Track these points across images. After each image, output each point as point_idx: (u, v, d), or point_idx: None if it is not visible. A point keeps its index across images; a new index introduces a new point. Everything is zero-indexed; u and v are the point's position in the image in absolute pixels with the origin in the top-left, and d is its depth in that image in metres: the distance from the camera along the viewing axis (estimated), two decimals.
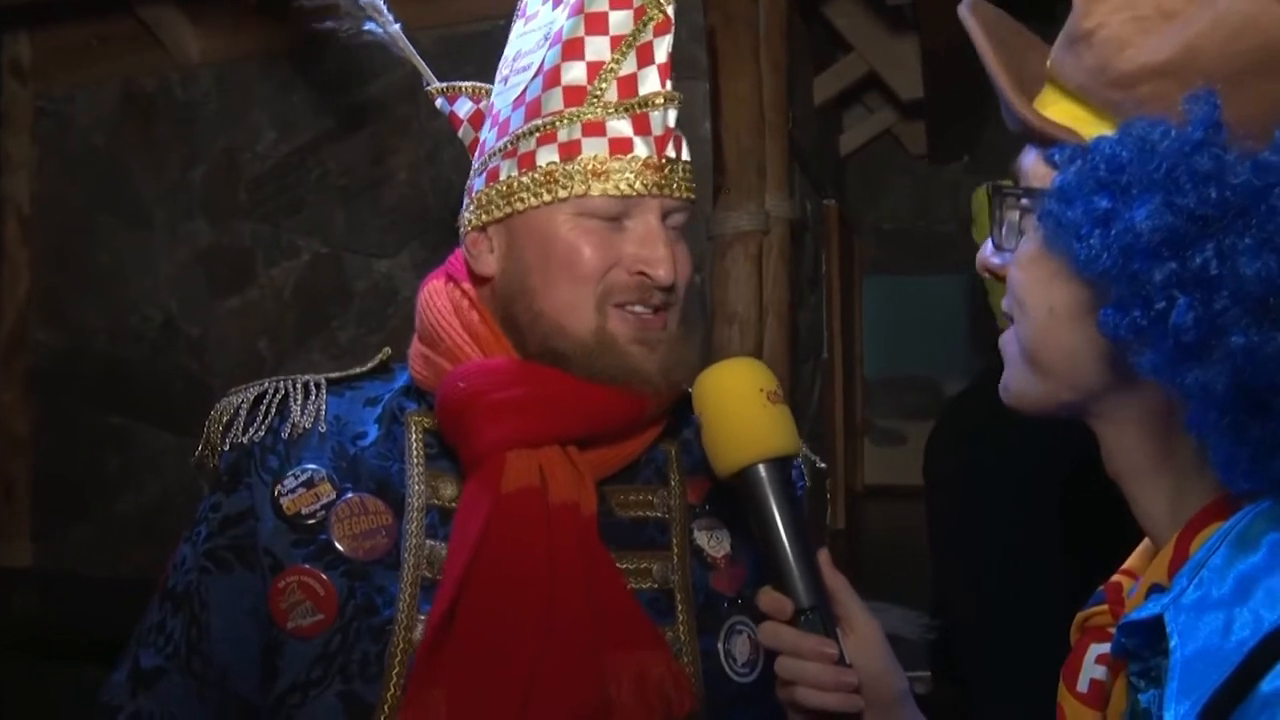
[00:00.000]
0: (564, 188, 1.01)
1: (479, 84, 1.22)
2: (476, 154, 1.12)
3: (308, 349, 2.45)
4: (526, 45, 1.11)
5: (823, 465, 1.22)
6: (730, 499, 1.09)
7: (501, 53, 2.32)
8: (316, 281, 2.46)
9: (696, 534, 1.08)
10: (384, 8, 1.37)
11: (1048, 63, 0.75)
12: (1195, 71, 0.63)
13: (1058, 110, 0.71)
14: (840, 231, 3.59)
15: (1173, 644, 0.59)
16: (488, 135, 1.10)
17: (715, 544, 1.09)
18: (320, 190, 2.46)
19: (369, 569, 1.00)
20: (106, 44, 2.66)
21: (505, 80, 1.11)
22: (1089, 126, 0.69)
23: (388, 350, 1.17)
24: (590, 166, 1.00)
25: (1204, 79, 0.62)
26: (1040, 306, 0.72)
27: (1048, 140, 0.72)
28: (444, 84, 1.24)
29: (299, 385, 1.09)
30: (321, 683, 0.97)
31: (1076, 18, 0.69)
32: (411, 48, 1.35)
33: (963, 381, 4.17)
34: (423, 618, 0.98)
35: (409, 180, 2.40)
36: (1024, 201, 0.74)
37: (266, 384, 1.10)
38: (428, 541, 1.01)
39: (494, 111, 1.11)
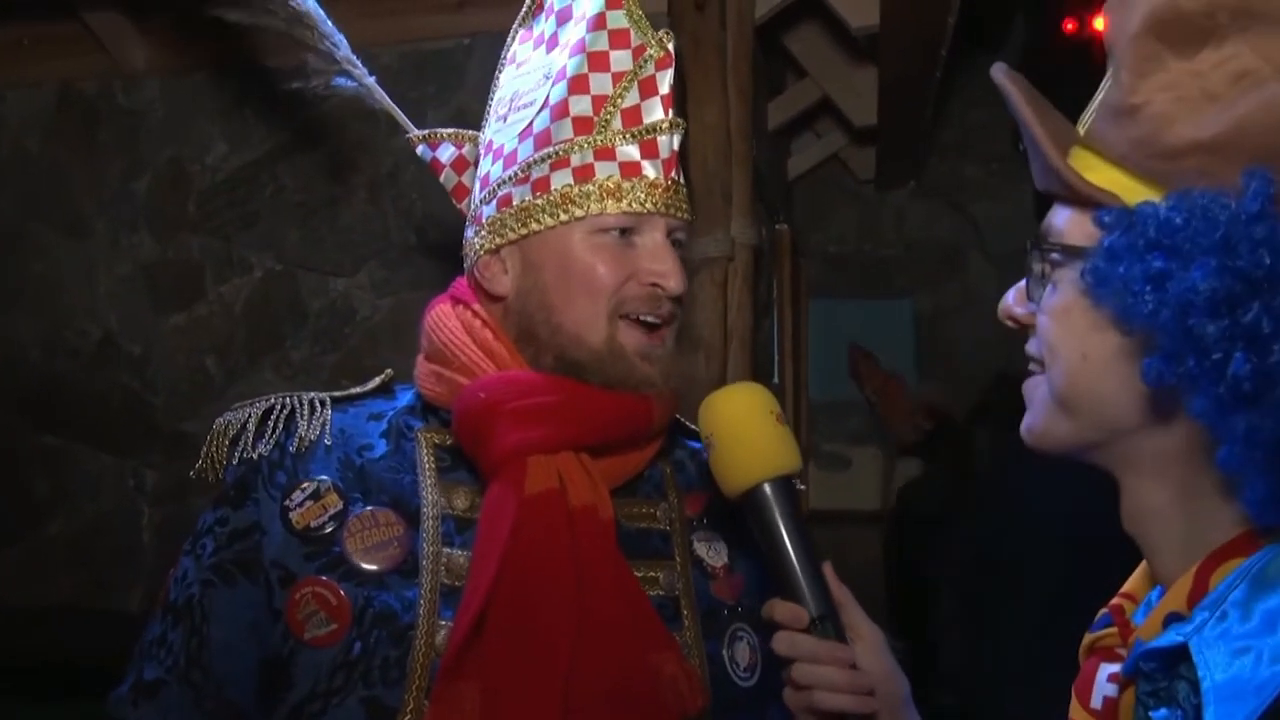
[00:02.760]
0: (580, 207, 1.07)
1: (461, 130, 1.30)
2: (481, 185, 1.17)
3: (259, 368, 2.42)
4: (525, 86, 1.18)
5: (802, 487, 1.30)
6: (725, 513, 1.16)
7: (462, 72, 2.35)
8: (269, 299, 2.44)
9: (696, 545, 1.15)
10: (356, 60, 1.41)
11: (1082, 130, 0.81)
12: (1242, 149, 0.70)
13: (1098, 176, 0.77)
14: (790, 255, 3.68)
15: (1200, 673, 0.65)
16: (491, 168, 1.16)
17: (714, 554, 1.15)
18: (275, 206, 2.44)
19: (384, 578, 1.03)
20: (43, 45, 2.58)
21: (504, 119, 1.18)
22: (1130, 192, 0.75)
23: (389, 372, 1.21)
24: (604, 187, 1.07)
25: (1250, 156, 0.69)
26: (1074, 353, 0.78)
27: (1088, 202, 0.78)
28: (425, 131, 1.31)
29: (304, 401, 1.12)
30: (343, 690, 1.00)
31: (1122, 92, 0.75)
32: (388, 99, 1.38)
33: None
34: (443, 623, 1.01)
35: (368, 199, 2.38)
36: (1055, 256, 0.80)
37: (273, 399, 1.13)
38: (445, 549, 1.05)
39: (495, 146, 1.17)
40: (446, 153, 1.28)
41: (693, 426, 1.23)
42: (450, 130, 1.29)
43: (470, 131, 1.28)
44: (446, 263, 2.37)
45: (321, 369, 2.37)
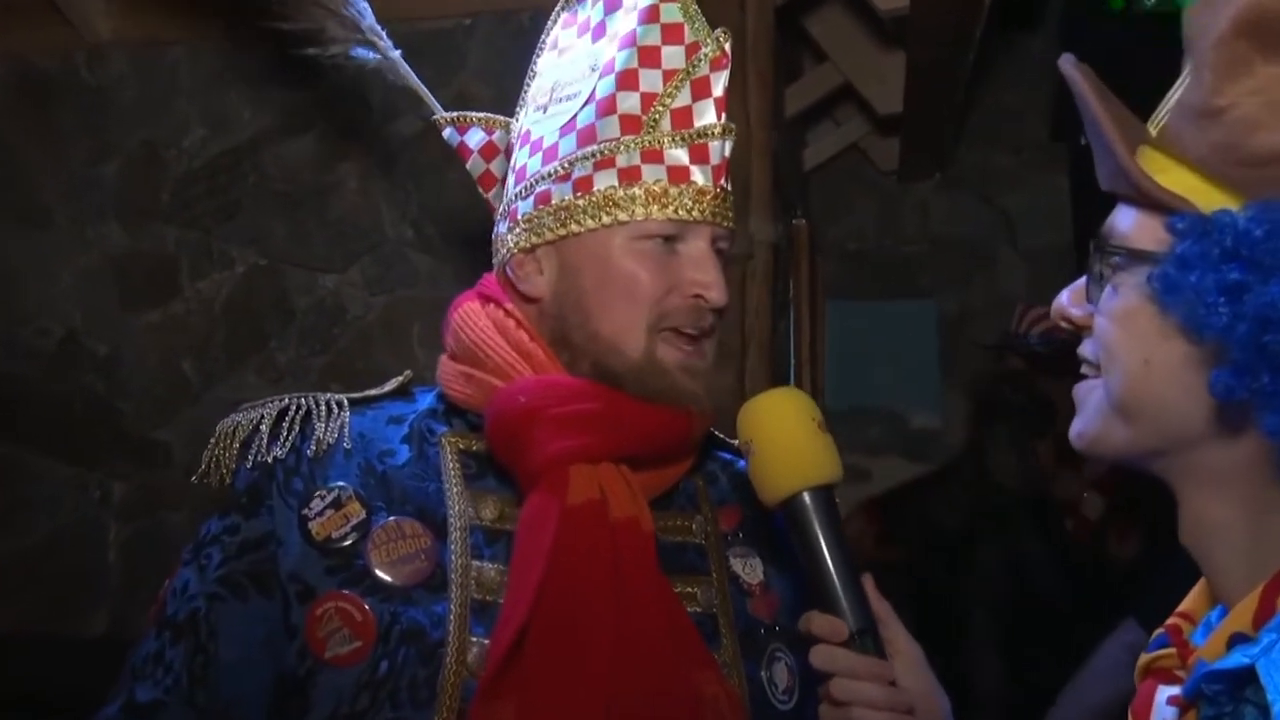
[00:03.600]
0: (624, 211, 1.10)
1: (492, 115, 1.31)
2: (516, 178, 1.19)
3: (240, 371, 2.43)
4: (568, 75, 1.20)
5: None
6: (760, 528, 1.20)
7: (463, 53, 2.36)
8: (252, 296, 2.44)
9: (731, 561, 1.18)
10: (382, 33, 1.42)
11: (1154, 129, 0.83)
12: None
13: (1170, 178, 0.79)
14: (807, 253, 3.70)
15: (1271, 696, 0.68)
16: (529, 161, 1.18)
17: (750, 571, 1.18)
18: (258, 196, 2.44)
19: (411, 593, 1.05)
20: None
21: (544, 109, 1.20)
22: (1205, 197, 0.78)
23: (409, 373, 1.23)
24: (650, 191, 1.10)
25: None
26: (1135, 359, 0.81)
27: (1157, 205, 0.80)
28: (454, 114, 1.33)
29: (321, 402, 1.14)
30: (368, 712, 1.00)
31: (1205, 93, 0.77)
32: (413, 74, 1.40)
33: (932, 416, 4.33)
34: (475, 640, 1.03)
35: (360, 189, 2.39)
36: (1117, 259, 0.82)
37: (288, 400, 1.14)
38: (474, 563, 1.06)
39: (533, 138, 1.19)
40: (475, 138, 1.30)
41: (722, 436, 1.26)
42: (481, 115, 1.31)
43: (501, 118, 1.30)
44: (445, 259, 2.39)
45: (309, 372, 2.37)
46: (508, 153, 1.26)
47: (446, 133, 1.32)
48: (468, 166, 1.31)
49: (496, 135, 1.29)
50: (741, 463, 1.19)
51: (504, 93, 2.54)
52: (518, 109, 1.26)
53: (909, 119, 3.48)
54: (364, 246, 2.41)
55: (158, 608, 1.09)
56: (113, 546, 2.48)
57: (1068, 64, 0.83)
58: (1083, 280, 0.88)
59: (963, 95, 3.39)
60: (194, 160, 2.50)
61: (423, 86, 1.41)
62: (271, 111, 2.45)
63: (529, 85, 1.26)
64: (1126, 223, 0.83)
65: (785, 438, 1.04)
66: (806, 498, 1.02)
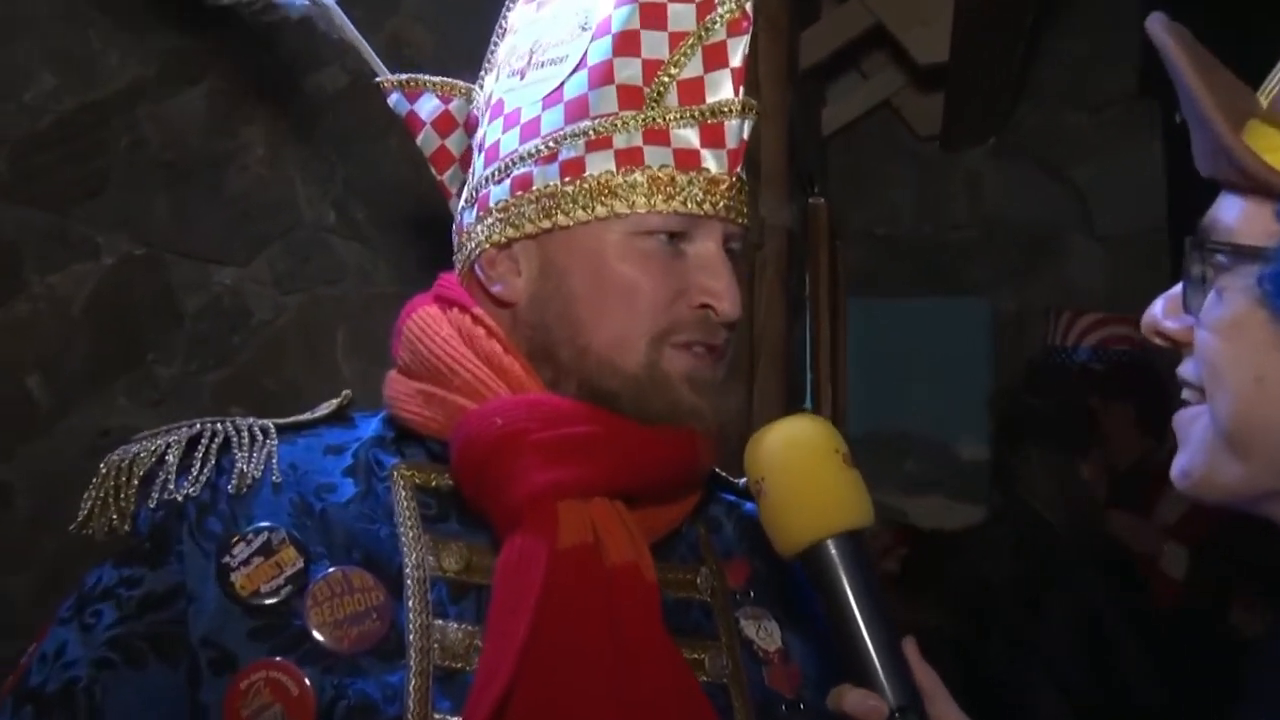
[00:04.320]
0: (622, 201, 1.15)
1: (450, 80, 1.36)
2: (486, 157, 1.24)
3: (107, 391, 2.44)
4: (551, 34, 1.25)
5: None
6: (774, 584, 1.25)
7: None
8: (124, 295, 2.45)
9: (743, 623, 1.23)
10: None
11: (1266, 100, 0.88)
12: None
13: None
14: (827, 239, 3.76)
15: None
16: (502, 137, 1.23)
17: (765, 636, 1.23)
18: (132, 166, 2.45)
19: (359, 661, 1.07)
20: None
21: (520, 74, 1.25)
22: None
23: (347, 394, 1.27)
24: (655, 178, 1.15)
25: None
26: (1245, 377, 0.87)
27: (1268, 191, 0.85)
28: (402, 76, 1.37)
29: (243, 428, 1.18)
30: None
31: None
32: (356, 33, 1.46)
33: (983, 445, 4.38)
34: (439, 716, 1.06)
35: (268, 159, 2.41)
36: (1220, 259, 0.88)
37: (200, 425, 1.17)
38: (436, 622, 1.10)
39: (507, 110, 1.24)
40: (428, 106, 1.34)
41: (725, 475, 1.32)
42: (436, 79, 1.36)
43: (461, 83, 1.35)
44: (378, 248, 2.43)
45: (201, 391, 2.40)
46: (469, 126, 1.31)
47: (392, 99, 1.36)
48: (418, 141, 1.35)
49: (454, 104, 1.34)
50: (750, 505, 1.23)
51: (447, 40, 2.62)
52: (483, 73, 1.32)
53: (956, 70, 3.56)
54: (273, 232, 2.44)
55: (15, 679, 1.10)
56: None
57: (1156, 25, 0.88)
58: (1180, 286, 0.92)
59: (1025, 39, 3.46)
60: (40, 118, 2.49)
61: (361, 39, 1.46)
62: (150, 56, 2.47)
63: (497, 44, 1.31)
64: (1231, 214, 0.88)
65: (804, 475, 1.08)
66: (832, 548, 1.06)
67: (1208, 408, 0.90)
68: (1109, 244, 4.41)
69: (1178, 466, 0.94)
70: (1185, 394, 0.94)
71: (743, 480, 1.21)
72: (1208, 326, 0.90)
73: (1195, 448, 0.92)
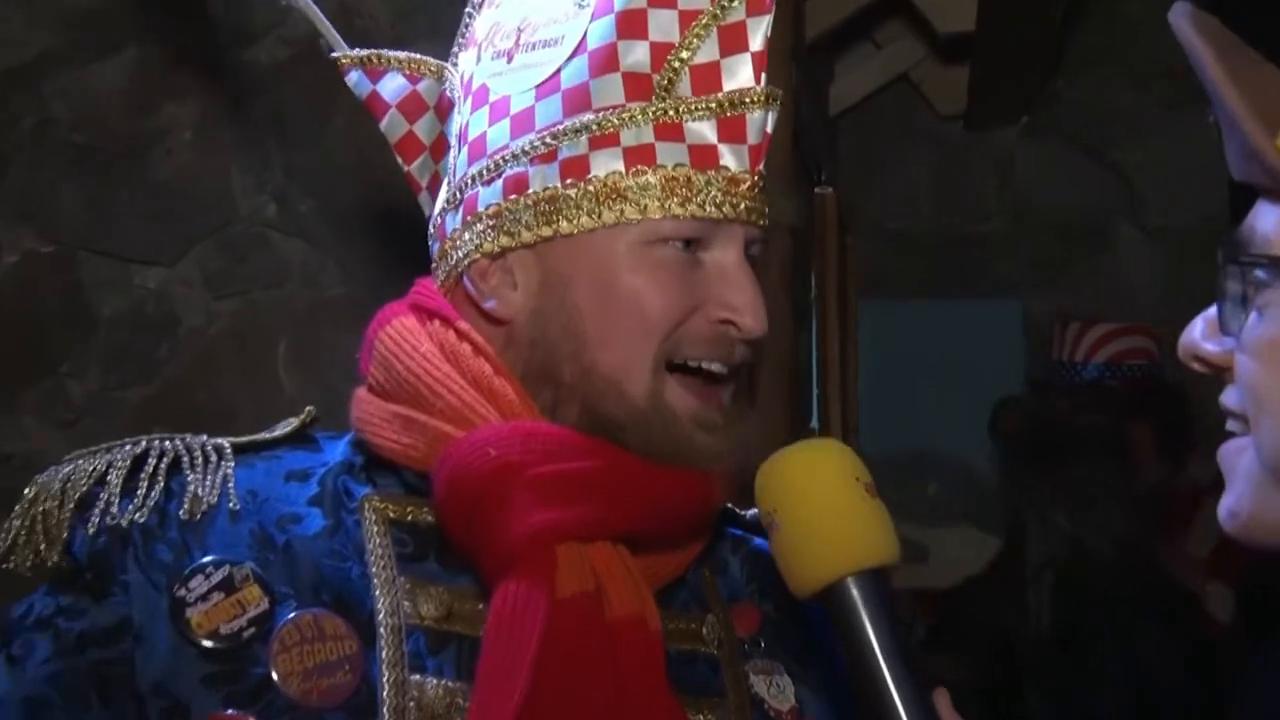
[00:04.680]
0: (633, 206, 1.16)
1: (418, 57, 1.36)
2: (470, 151, 1.24)
3: (12, 410, 2.43)
4: (542, 12, 1.25)
5: None
6: (787, 632, 1.27)
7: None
8: (29, 299, 2.42)
9: (753, 679, 1.24)
10: None
11: None
12: None
13: None
14: (836, 234, 3.76)
15: None
16: (489, 129, 1.23)
17: (777, 694, 1.24)
18: (38, 149, 2.45)
19: (326, 718, 1.08)
20: None
21: (506, 56, 1.25)
22: None
23: (311, 410, 1.28)
24: (670, 179, 1.16)
25: None
26: None
27: None
28: (363, 52, 1.36)
29: (195, 447, 1.18)
30: None
31: None
32: (314, 5, 1.45)
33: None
34: None
35: (197, 143, 2.41)
36: (1260, 274, 0.89)
37: (144, 443, 1.17)
38: (413, 677, 1.11)
39: (494, 98, 1.24)
40: (393, 86, 1.34)
41: (731, 506, 1.32)
42: (403, 55, 1.35)
43: (432, 61, 1.34)
44: (325, 245, 2.40)
45: (120, 408, 2.40)
46: (441, 110, 1.31)
47: (351, 78, 1.35)
48: (382, 126, 1.34)
49: (424, 85, 1.34)
50: (759, 540, 1.26)
51: (406, 10, 2.61)
52: (456, 49, 1.32)
53: (983, 38, 3.57)
54: (204, 227, 2.43)
55: None
56: None
57: (1181, 18, 0.89)
58: (1217, 306, 0.93)
59: (1063, 2, 3.47)
60: None
61: (312, 4, 1.43)
62: (60, 22, 2.46)
63: (473, 16, 1.31)
64: (1269, 222, 0.89)
65: (822, 506, 1.09)
66: (853, 587, 1.06)
67: (1252, 439, 0.91)
68: (1161, 237, 4.42)
69: (1224, 506, 0.94)
70: (1230, 424, 0.94)
71: (751, 512, 1.22)
72: (1249, 350, 0.91)
73: (1241, 485, 0.93)
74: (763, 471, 1.13)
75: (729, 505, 1.32)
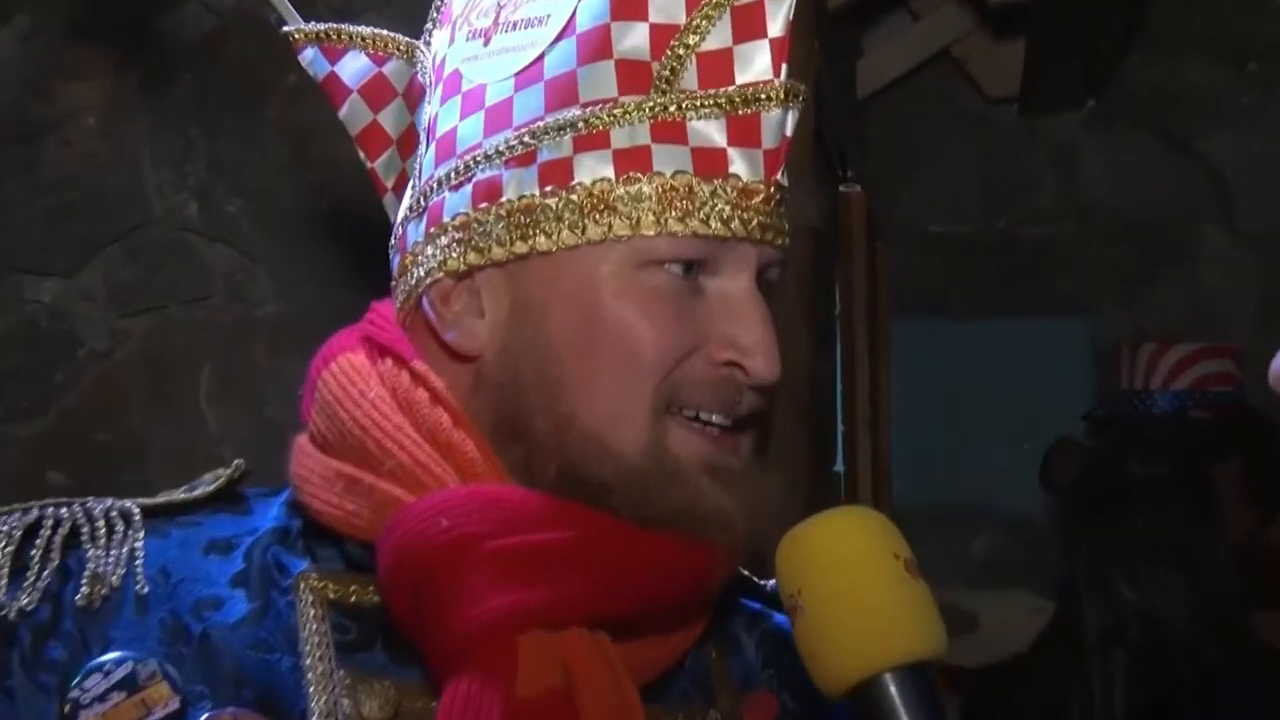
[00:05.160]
0: (624, 220, 1.15)
1: (384, 33, 1.36)
2: (438, 149, 1.24)
3: None
4: None
5: None
6: None
7: None
8: None
9: None
10: None
11: None
12: None
13: None
14: (864, 239, 3.76)
15: None
16: (460, 123, 1.23)
17: None
18: None
19: None
20: None
21: (483, 37, 1.25)
22: None
23: (240, 463, 1.28)
24: (668, 189, 1.15)
25: None
26: None
27: None
28: (320, 26, 1.36)
29: (97, 515, 1.18)
30: None
31: None
32: None
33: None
34: None
35: (103, 130, 2.43)
36: None
37: (35, 509, 1.18)
38: None
39: (467, 86, 1.24)
40: (354, 67, 1.35)
41: (747, 573, 1.33)
42: (368, 31, 1.36)
43: (403, 38, 1.35)
44: (258, 254, 2.42)
45: (5, 448, 2.39)
46: (411, 97, 1.32)
47: (306, 56, 1.37)
48: (341, 114, 1.36)
49: (391, 66, 1.35)
50: (779, 617, 1.25)
51: None
52: (429, 25, 1.32)
53: (1042, 6, 3.59)
54: (110, 231, 2.45)
55: None
56: None
57: None
58: None
59: None
60: None
61: None
62: None
63: None
64: None
65: (854, 589, 1.09)
66: (891, 684, 1.06)
67: None
68: (1257, 243, 4.40)
69: None
70: None
71: (771, 583, 1.21)
72: None
73: None
74: (785, 546, 1.12)
75: (745, 572, 1.32)
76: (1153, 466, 3.18)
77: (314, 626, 1.16)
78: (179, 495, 1.25)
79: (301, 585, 1.17)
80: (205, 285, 2.47)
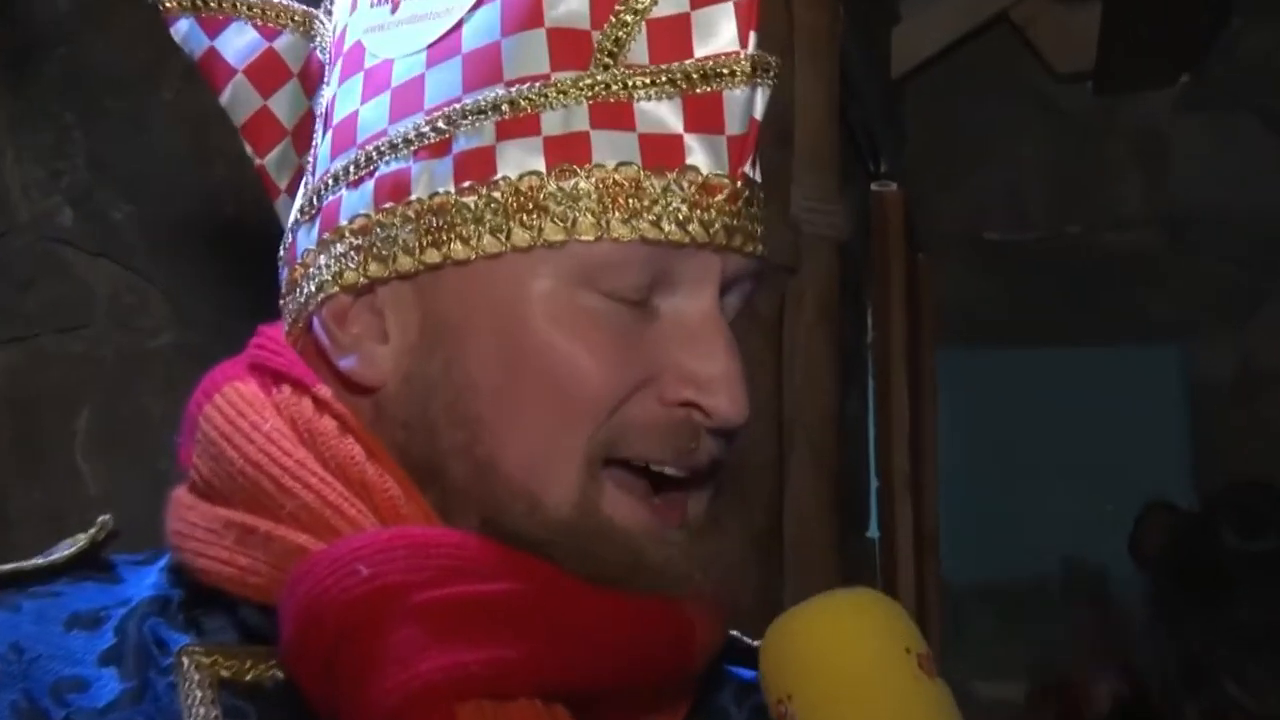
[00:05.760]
0: (557, 223, 1.16)
1: (275, 1, 1.38)
2: (334, 140, 1.27)
3: None
4: None
5: None
6: None
7: None
8: None
9: None
10: None
11: None
12: None
13: None
14: (903, 248, 3.79)
15: None
16: (361, 108, 1.25)
17: None
18: None
19: None
20: None
21: (391, 2, 1.27)
22: None
23: (107, 520, 1.29)
24: (610, 186, 1.16)
25: None
26: None
27: None
28: None
29: None
30: None
31: None
32: None
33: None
34: None
35: None
36: None
37: None
38: None
39: (370, 65, 1.26)
40: (239, 42, 1.37)
41: (738, 634, 1.34)
42: None
43: (299, 6, 1.38)
44: (146, 271, 2.46)
45: None
46: (308, 78, 1.36)
47: (180, 29, 1.40)
48: (223, 100, 1.39)
49: (283, 41, 1.38)
50: None
51: None
52: None
53: None
54: None
55: None
56: None
57: None
58: None
59: None
60: None
61: None
62: None
63: None
64: None
65: (858, 703, 1.11)
66: None
67: None
68: None
69: None
70: None
71: (758, 673, 1.22)
72: None
73: None
74: (771, 641, 1.15)
75: (736, 634, 1.33)
76: (1256, 539, 3.19)
77: (201, 712, 1.16)
78: (32, 563, 1.26)
79: (185, 662, 1.18)
80: (84, 310, 2.49)
